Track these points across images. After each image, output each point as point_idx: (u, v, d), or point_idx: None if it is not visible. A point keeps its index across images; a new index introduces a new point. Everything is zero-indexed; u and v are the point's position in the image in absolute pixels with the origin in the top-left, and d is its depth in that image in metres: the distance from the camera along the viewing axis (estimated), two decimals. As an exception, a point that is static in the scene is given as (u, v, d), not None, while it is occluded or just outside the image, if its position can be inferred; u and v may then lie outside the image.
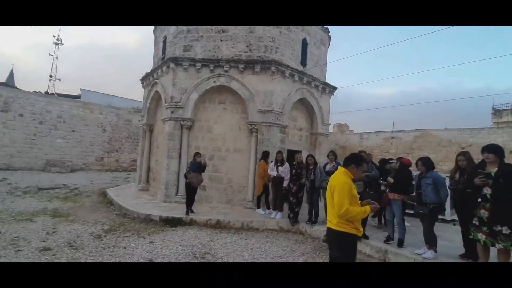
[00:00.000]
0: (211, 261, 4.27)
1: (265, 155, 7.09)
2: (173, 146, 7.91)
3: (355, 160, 2.74)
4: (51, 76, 31.14)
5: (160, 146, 9.05)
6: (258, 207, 6.99)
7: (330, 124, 9.88)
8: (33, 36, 72.89)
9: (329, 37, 10.19)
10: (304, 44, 8.93)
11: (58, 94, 27.19)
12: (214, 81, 7.94)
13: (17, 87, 28.43)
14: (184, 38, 8.41)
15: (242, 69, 7.74)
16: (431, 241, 4.35)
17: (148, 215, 6.45)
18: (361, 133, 22.07)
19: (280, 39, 8.22)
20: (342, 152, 20.78)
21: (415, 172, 5.20)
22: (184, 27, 8.40)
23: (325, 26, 9.68)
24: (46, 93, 27.61)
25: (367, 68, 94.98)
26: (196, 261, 4.24)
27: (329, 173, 5.95)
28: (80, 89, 27.22)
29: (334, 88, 9.74)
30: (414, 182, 4.91)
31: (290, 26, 8.45)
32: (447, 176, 5.69)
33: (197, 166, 6.65)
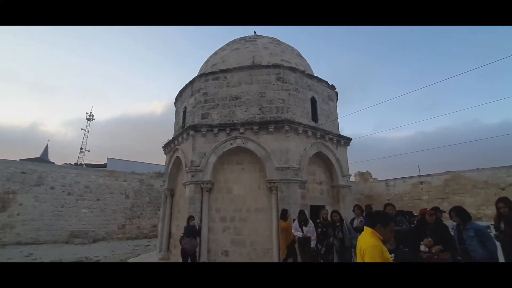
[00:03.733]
0: None
1: (284, 214, 6.80)
2: (194, 209, 7.90)
3: (380, 219, 2.53)
4: (81, 149, 33.91)
5: (181, 210, 9.07)
6: (285, 272, 6.43)
7: (350, 175, 9.66)
8: (71, 113, 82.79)
9: (336, 93, 10.78)
10: (313, 101, 9.45)
11: (87, 165, 29.17)
12: (231, 143, 8.32)
13: (51, 160, 31.05)
14: (202, 108, 9.20)
15: (257, 130, 8.15)
16: None
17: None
18: (386, 180, 21.14)
19: (289, 100, 8.79)
20: (369, 202, 19.68)
21: (447, 222, 4.80)
22: (202, 98, 9.28)
23: (331, 84, 10.35)
24: (76, 164, 29.74)
25: (381, 114, 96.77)
26: None
27: (358, 229, 5.59)
28: (107, 158, 29.16)
29: (349, 139, 9.85)
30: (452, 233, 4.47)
31: (298, 87, 9.12)
32: (491, 224, 5.17)
33: (190, 230, 6.50)
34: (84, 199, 17.07)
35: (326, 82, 10.20)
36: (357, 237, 5.25)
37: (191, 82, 10.10)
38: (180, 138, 9.43)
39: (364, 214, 5.96)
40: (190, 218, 7.02)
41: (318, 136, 8.76)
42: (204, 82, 9.49)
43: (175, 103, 11.84)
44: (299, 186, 7.74)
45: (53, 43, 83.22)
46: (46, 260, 10.17)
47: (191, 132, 8.61)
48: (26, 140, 67.68)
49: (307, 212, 6.88)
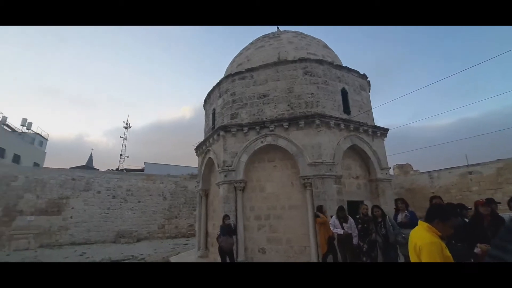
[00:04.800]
0: None
1: (319, 210, 6.68)
2: (229, 209, 8.02)
3: (439, 214, 2.28)
4: (121, 155, 36.35)
5: (216, 209, 9.26)
6: (326, 270, 6.23)
7: (389, 168, 9.11)
8: (112, 123, 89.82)
9: (369, 82, 10.23)
10: (344, 93, 9.07)
11: (127, 170, 31.20)
12: (262, 141, 8.30)
13: (95, 167, 33.78)
14: (231, 108, 9.30)
15: (287, 126, 8.03)
16: None
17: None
18: (429, 171, 19.60)
19: (319, 93, 8.53)
20: (410, 196, 18.50)
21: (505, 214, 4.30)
22: (230, 98, 9.38)
23: (362, 73, 9.85)
24: (117, 169, 31.98)
25: (417, 103, 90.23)
26: None
27: (402, 225, 5.24)
28: (144, 162, 30.94)
29: (386, 130, 9.28)
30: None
31: (327, 80, 8.81)
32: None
33: (226, 229, 6.75)
34: (127, 202, 18.30)
35: (357, 72, 9.73)
36: (402, 233, 4.91)
37: (218, 84, 10.27)
38: (211, 140, 9.64)
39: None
40: (225, 217, 7.15)
41: (352, 128, 8.38)
42: (231, 83, 9.59)
43: (204, 105, 12.14)
44: (334, 181, 7.47)
45: (90, 60, 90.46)
46: (98, 258, 11.06)
47: (222, 133, 8.74)
48: (73, 150, 74.51)
49: (345, 207, 6.61)
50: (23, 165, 22.43)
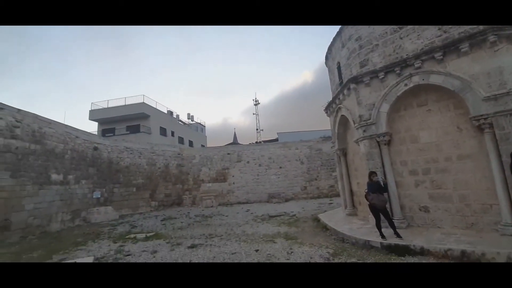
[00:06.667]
0: None
1: None
2: (374, 165, 7.43)
3: None
4: (257, 129, 41.38)
5: (359, 168, 8.85)
6: (534, 234, 4.66)
7: None
8: (246, 103, 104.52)
9: None
10: (542, -21, 5.88)
11: (264, 141, 35.35)
12: (406, 84, 6.93)
13: (239, 142, 40.41)
14: (358, 55, 8.25)
15: (441, 56, 6.24)
16: None
17: (367, 241, 6.16)
18: None
19: (491, -4, 5.96)
20: None
21: None
22: (356, 44, 8.29)
23: None
24: (256, 142, 36.83)
25: None
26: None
27: None
28: (277, 133, 33.88)
29: None
30: None
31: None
32: None
33: (375, 186, 6.28)
34: (270, 168, 20.92)
35: None
36: None
37: (338, 33, 9.29)
38: (340, 96, 9.05)
39: None
40: (372, 173, 6.66)
41: None
42: (354, 26, 8.39)
43: (325, 63, 11.46)
44: (535, 116, 5.24)
45: (224, 58, 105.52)
46: (260, 212, 13.49)
47: (352, 86, 7.99)
48: (221, 131, 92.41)
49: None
50: (195, 147, 30.11)
